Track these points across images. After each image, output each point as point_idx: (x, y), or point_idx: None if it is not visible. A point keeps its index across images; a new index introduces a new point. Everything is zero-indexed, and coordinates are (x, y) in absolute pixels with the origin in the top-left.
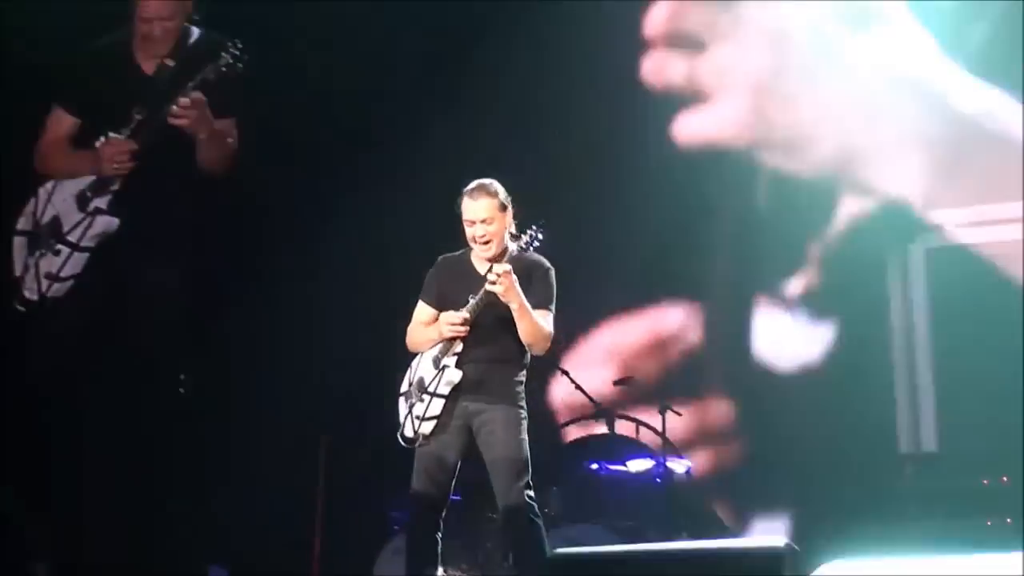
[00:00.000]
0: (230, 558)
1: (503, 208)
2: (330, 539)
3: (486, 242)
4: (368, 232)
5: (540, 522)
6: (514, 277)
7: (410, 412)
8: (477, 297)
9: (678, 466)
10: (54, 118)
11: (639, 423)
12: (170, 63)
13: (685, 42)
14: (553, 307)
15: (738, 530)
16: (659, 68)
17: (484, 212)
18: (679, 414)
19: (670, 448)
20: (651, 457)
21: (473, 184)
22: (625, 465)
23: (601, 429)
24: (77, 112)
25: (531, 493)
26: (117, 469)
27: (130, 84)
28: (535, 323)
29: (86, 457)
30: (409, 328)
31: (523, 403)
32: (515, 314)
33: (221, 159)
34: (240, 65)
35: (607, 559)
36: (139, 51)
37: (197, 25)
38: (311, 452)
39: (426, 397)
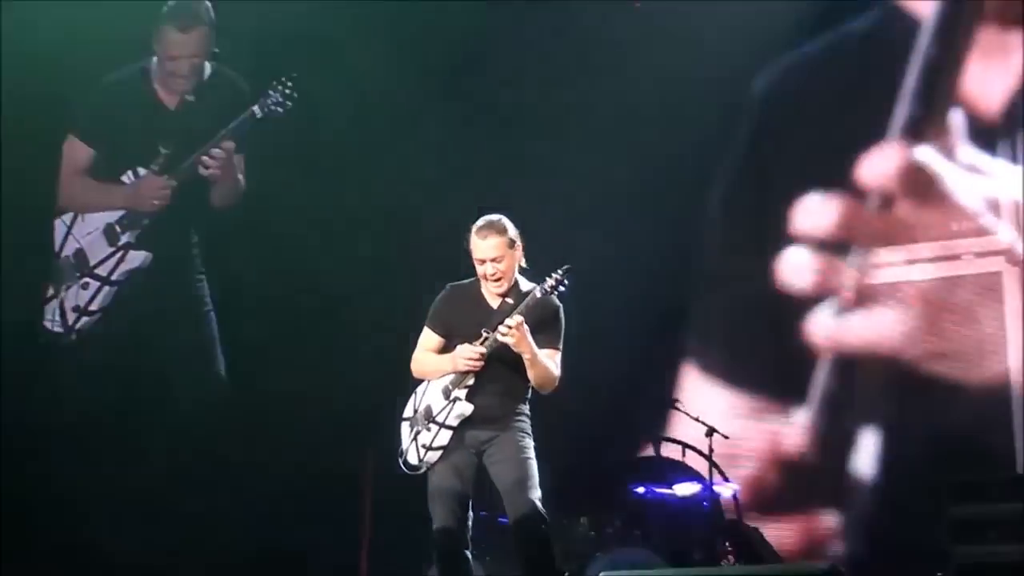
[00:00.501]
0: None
1: (512, 244)
2: (376, 554)
3: (497, 279)
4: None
5: (548, 531)
6: (526, 328)
7: (415, 440)
8: (490, 339)
9: (725, 490)
10: (70, 149)
11: (686, 446)
12: (191, 98)
13: None
14: (560, 346)
15: None
16: None
17: (493, 251)
18: (726, 437)
19: (717, 472)
20: (698, 481)
21: (481, 222)
22: (671, 489)
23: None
24: (94, 143)
25: (540, 503)
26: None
27: (153, 119)
28: (546, 369)
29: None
30: (415, 355)
31: (528, 430)
32: (526, 363)
33: (233, 197)
34: (289, 104)
35: None
36: (161, 86)
37: (209, 61)
38: (354, 466)
39: (433, 427)
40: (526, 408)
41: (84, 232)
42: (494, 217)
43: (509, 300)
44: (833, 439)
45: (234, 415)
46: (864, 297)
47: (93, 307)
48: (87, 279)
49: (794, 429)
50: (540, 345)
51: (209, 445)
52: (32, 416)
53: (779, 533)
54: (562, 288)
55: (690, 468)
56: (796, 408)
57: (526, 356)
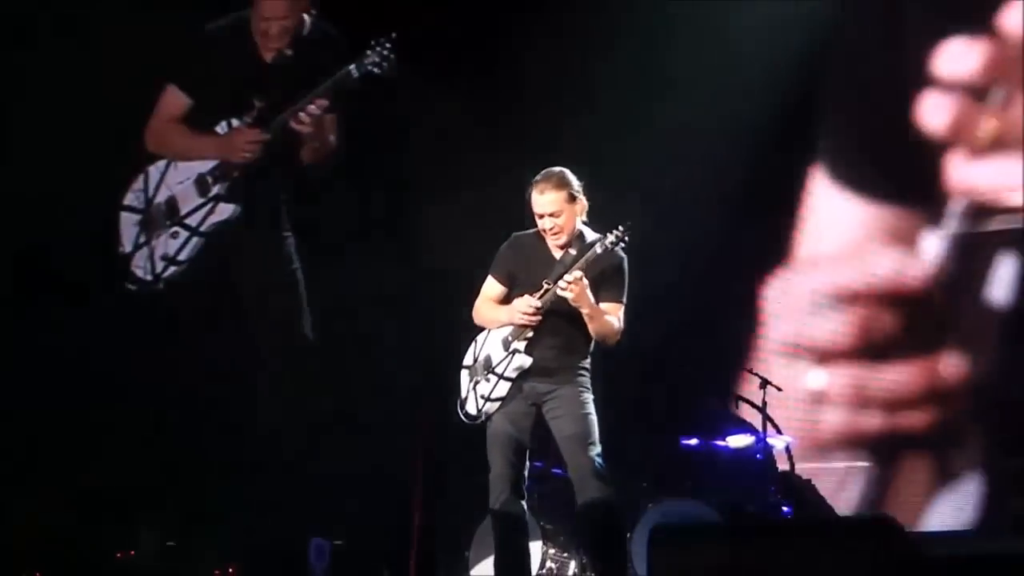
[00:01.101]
0: (331, 530)
1: (571, 199)
2: (429, 513)
3: (555, 233)
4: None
5: (612, 488)
6: (585, 282)
7: (474, 389)
8: (549, 293)
9: (778, 442)
10: (169, 97)
11: (740, 399)
12: (288, 52)
13: None
14: (624, 299)
15: None
16: None
17: (551, 206)
18: (779, 389)
19: (771, 424)
20: (751, 433)
21: (540, 175)
22: (725, 440)
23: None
24: (192, 93)
25: (600, 460)
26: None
27: (249, 71)
28: (605, 323)
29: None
30: (477, 303)
31: (588, 385)
32: (586, 318)
33: (323, 157)
34: (385, 66)
35: (711, 532)
36: (258, 40)
37: (308, 14)
38: (409, 424)
39: (492, 378)
40: (587, 362)
41: (176, 180)
42: (554, 170)
43: (572, 251)
44: (961, 278)
45: (319, 374)
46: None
47: (181, 257)
48: (177, 228)
49: (919, 264)
50: (602, 299)
51: (296, 404)
52: (117, 364)
53: (896, 378)
54: (623, 243)
55: (743, 420)
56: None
57: (585, 311)
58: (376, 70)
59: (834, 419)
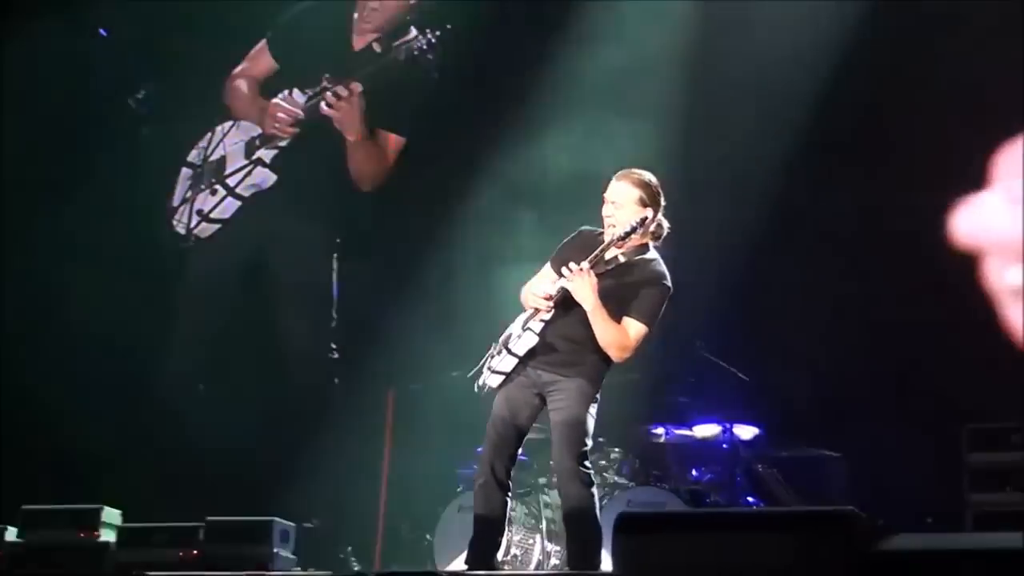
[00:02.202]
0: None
1: (643, 204)
2: (395, 494)
3: (611, 224)
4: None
5: (592, 490)
6: (592, 279)
7: (488, 360)
8: (560, 283)
9: (745, 432)
10: (257, 54)
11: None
12: (377, 48)
13: None
14: (647, 321)
15: None
16: None
17: (615, 195)
18: (747, 380)
19: (738, 413)
20: (718, 422)
21: (629, 169)
22: (691, 430)
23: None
24: (278, 57)
25: (586, 463)
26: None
27: (333, 51)
28: (607, 327)
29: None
30: (526, 284)
31: (597, 380)
32: (588, 315)
33: (372, 172)
34: (431, 56)
35: (675, 520)
36: (356, 24)
37: (417, 27)
38: (378, 406)
39: (503, 351)
40: (602, 363)
41: (233, 141)
42: (642, 171)
43: (621, 258)
44: None
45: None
46: None
47: (214, 215)
48: (217, 186)
49: None
50: (629, 311)
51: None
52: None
53: None
54: (636, 232)
55: (711, 409)
56: None
57: (587, 307)
58: (420, 56)
59: None
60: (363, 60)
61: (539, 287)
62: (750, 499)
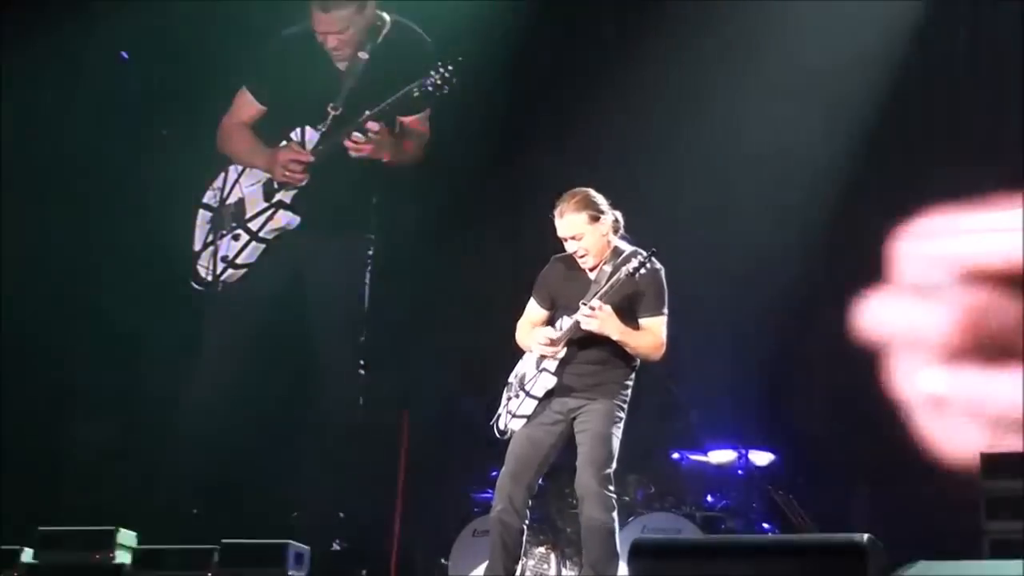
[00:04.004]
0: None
1: (594, 219)
2: (410, 518)
3: (582, 256)
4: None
5: (613, 514)
6: (608, 310)
7: (507, 404)
8: (571, 323)
9: (760, 458)
10: (241, 100)
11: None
12: (363, 56)
13: None
14: (665, 309)
15: None
16: None
17: (571, 228)
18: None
19: (753, 439)
20: (733, 448)
21: (561, 199)
22: (707, 456)
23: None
24: (265, 99)
25: (610, 487)
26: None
27: (322, 78)
28: (638, 340)
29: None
30: (519, 324)
31: (623, 402)
32: (617, 341)
33: (410, 158)
34: (446, 89)
35: (690, 547)
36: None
37: (389, 14)
38: (392, 429)
39: (522, 394)
40: (630, 378)
41: (249, 183)
42: (573, 192)
43: (606, 268)
44: None
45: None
46: None
47: (239, 260)
48: (239, 230)
49: None
50: (641, 313)
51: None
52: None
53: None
54: (645, 269)
55: (726, 435)
56: None
57: (615, 338)
58: (436, 93)
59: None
60: (355, 76)
61: (539, 334)
62: (766, 526)
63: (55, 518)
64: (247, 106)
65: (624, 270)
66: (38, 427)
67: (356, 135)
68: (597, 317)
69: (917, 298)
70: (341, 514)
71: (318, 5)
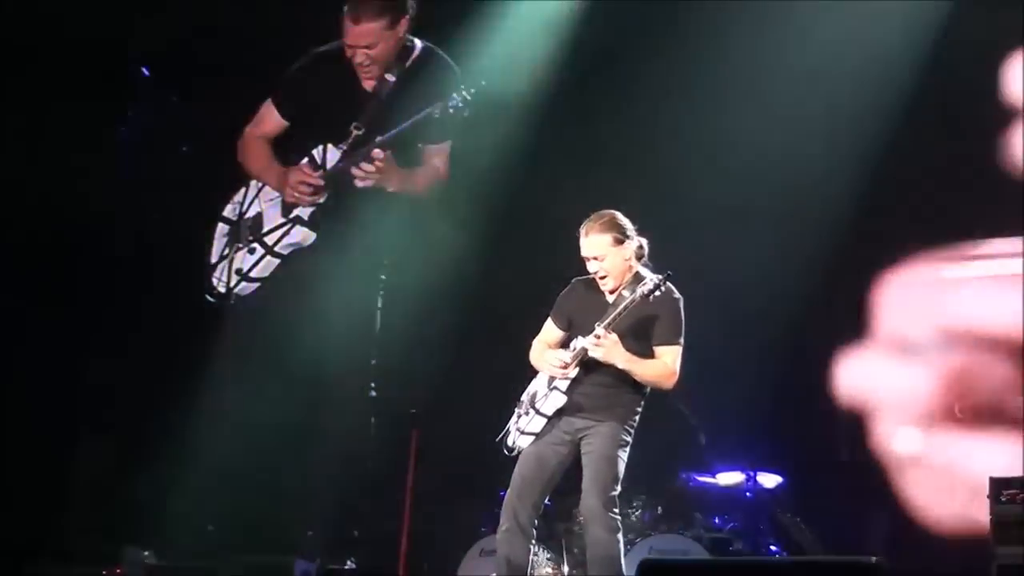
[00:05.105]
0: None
1: (618, 242)
2: (418, 537)
3: (602, 278)
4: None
5: (618, 536)
6: (614, 338)
7: (516, 422)
8: (579, 346)
9: (769, 480)
10: (266, 113)
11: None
12: (390, 78)
13: None
14: (677, 340)
15: None
16: None
17: (595, 249)
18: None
19: (762, 461)
20: (742, 470)
21: (589, 219)
22: (715, 477)
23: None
24: (289, 114)
25: (615, 509)
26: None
27: (348, 97)
28: (646, 369)
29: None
30: (534, 343)
31: (631, 425)
32: (624, 370)
33: (418, 190)
34: (467, 112)
35: (698, 568)
36: (357, 70)
37: (420, 37)
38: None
39: (532, 412)
40: (637, 403)
41: (268, 197)
42: (601, 213)
43: (625, 293)
44: None
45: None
46: None
47: (253, 274)
48: (255, 244)
49: None
50: (655, 340)
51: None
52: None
53: None
54: (659, 292)
55: (735, 457)
56: None
57: (620, 366)
58: (458, 116)
59: None
60: (380, 98)
61: (552, 356)
62: (773, 548)
63: (67, 534)
64: (270, 119)
65: (638, 292)
66: (51, 442)
67: (364, 164)
68: (602, 345)
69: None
70: (356, 532)
71: (350, 16)
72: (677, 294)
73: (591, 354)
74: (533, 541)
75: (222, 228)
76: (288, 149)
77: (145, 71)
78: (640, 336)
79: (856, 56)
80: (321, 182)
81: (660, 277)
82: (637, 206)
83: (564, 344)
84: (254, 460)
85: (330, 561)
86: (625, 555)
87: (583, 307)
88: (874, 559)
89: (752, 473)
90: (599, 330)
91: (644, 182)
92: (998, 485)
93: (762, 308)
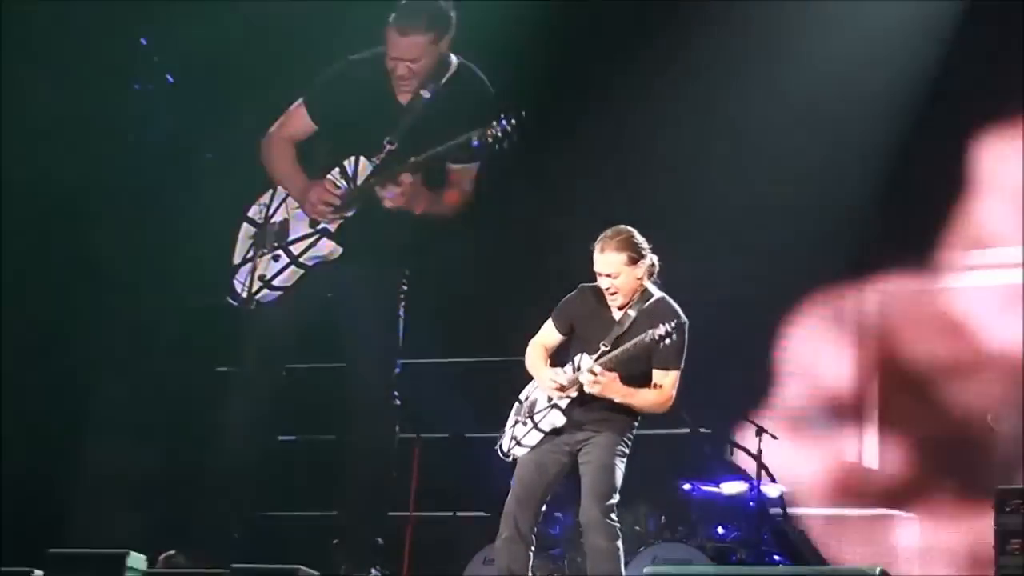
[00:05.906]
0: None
1: (632, 261)
2: (421, 543)
3: (612, 294)
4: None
5: (618, 543)
6: (611, 376)
7: (512, 428)
8: (577, 379)
9: (772, 490)
10: (295, 114)
11: (735, 446)
12: (425, 94)
13: None
14: (676, 366)
15: None
16: None
17: (610, 266)
18: (775, 437)
19: (765, 472)
20: (745, 480)
21: (605, 234)
22: (718, 487)
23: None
24: (319, 118)
25: (613, 515)
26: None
27: (382, 109)
28: (644, 399)
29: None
30: (531, 343)
31: (629, 438)
32: (622, 402)
33: (445, 211)
34: (506, 143)
35: None
36: (395, 81)
37: (457, 55)
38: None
39: (529, 424)
40: (636, 418)
41: (295, 203)
42: (618, 229)
43: (631, 312)
44: None
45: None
46: None
47: (276, 282)
48: (280, 252)
49: None
50: (656, 364)
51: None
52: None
53: None
54: (670, 340)
55: (738, 467)
56: None
57: (616, 400)
58: (496, 145)
59: None
60: (415, 113)
61: (549, 375)
62: (776, 557)
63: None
64: (299, 121)
65: (649, 335)
66: (76, 448)
67: (391, 186)
68: (599, 383)
69: None
70: (380, 540)
71: (396, 29)
72: (684, 318)
73: (588, 390)
74: (532, 548)
75: (247, 229)
76: (320, 157)
77: (170, 78)
78: (641, 356)
79: (869, 55)
80: (339, 202)
81: (672, 325)
82: (646, 207)
83: (561, 348)
84: (280, 467)
85: (355, 569)
86: (627, 564)
87: (588, 319)
88: (878, 569)
89: (756, 483)
90: (595, 367)
91: (654, 182)
92: (1003, 496)
93: (769, 306)
